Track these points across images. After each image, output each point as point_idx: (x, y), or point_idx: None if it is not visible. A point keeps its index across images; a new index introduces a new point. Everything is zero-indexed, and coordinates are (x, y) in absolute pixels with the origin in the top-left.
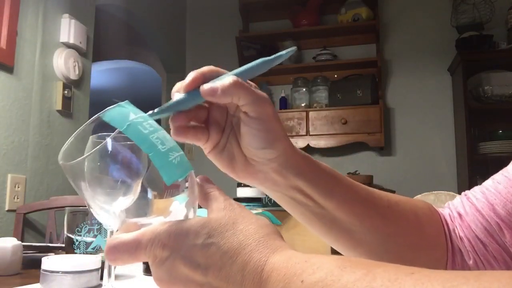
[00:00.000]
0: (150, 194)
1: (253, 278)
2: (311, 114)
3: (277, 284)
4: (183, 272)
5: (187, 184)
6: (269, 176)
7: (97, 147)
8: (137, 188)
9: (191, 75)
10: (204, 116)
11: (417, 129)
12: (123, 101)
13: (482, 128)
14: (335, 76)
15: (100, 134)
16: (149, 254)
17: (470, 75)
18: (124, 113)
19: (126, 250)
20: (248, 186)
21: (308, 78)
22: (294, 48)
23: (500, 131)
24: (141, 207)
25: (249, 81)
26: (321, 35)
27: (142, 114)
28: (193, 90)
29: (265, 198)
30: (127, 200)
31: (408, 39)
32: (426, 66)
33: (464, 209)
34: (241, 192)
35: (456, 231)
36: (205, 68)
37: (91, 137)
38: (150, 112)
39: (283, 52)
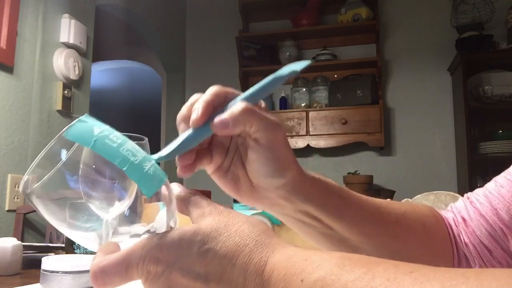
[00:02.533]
0: (140, 199)
1: (255, 279)
2: (311, 114)
3: (278, 284)
4: (182, 284)
5: (163, 192)
6: (276, 201)
7: (58, 165)
8: (132, 191)
9: (199, 109)
10: (209, 140)
11: (417, 129)
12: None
13: (482, 128)
14: (335, 76)
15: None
16: (141, 272)
17: (470, 75)
18: (88, 129)
19: (116, 272)
20: None
21: (308, 78)
22: (308, 62)
23: (500, 131)
24: (132, 213)
25: (261, 101)
26: (321, 35)
27: (105, 126)
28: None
29: None
30: (122, 205)
31: (408, 39)
32: (426, 66)
33: (468, 214)
34: None
35: (461, 237)
36: (211, 95)
37: (53, 173)
38: (157, 156)
39: (297, 67)
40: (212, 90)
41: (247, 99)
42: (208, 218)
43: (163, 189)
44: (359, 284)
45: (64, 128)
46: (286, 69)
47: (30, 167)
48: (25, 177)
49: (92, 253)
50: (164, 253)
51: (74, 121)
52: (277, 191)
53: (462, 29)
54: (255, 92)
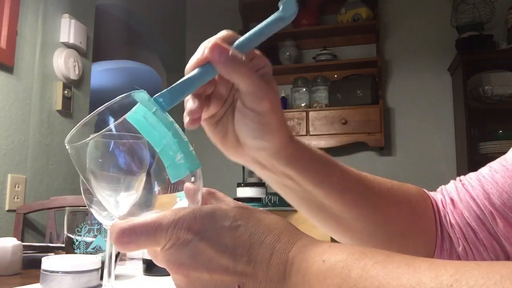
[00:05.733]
0: (155, 189)
1: (281, 256)
2: (311, 114)
3: (301, 263)
4: (208, 254)
5: (192, 179)
6: (258, 161)
7: (103, 130)
8: (140, 184)
9: (207, 48)
10: (211, 90)
11: (417, 129)
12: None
13: (482, 128)
14: (335, 76)
15: (105, 134)
16: (170, 236)
17: (470, 75)
18: (150, 100)
19: (144, 232)
20: (248, 186)
21: (308, 78)
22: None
23: (500, 131)
24: (145, 201)
25: (257, 51)
26: (321, 35)
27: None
28: (204, 64)
29: (265, 198)
30: (130, 197)
31: (408, 39)
32: (426, 66)
33: (458, 196)
34: (241, 192)
35: (447, 217)
36: (220, 38)
37: (95, 138)
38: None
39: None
40: (221, 34)
41: (249, 44)
42: (237, 205)
43: (198, 174)
44: (377, 267)
45: (132, 91)
46: (290, 8)
47: (80, 123)
48: (72, 133)
49: (91, 252)
50: (197, 222)
51: (140, 90)
52: (260, 152)
53: (462, 29)
54: (256, 34)
